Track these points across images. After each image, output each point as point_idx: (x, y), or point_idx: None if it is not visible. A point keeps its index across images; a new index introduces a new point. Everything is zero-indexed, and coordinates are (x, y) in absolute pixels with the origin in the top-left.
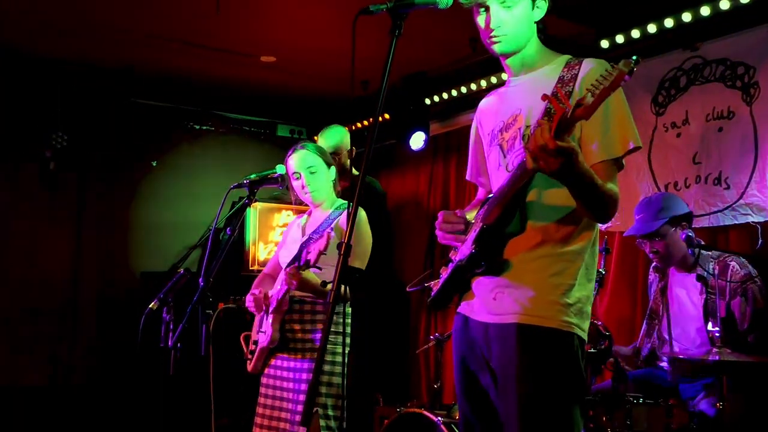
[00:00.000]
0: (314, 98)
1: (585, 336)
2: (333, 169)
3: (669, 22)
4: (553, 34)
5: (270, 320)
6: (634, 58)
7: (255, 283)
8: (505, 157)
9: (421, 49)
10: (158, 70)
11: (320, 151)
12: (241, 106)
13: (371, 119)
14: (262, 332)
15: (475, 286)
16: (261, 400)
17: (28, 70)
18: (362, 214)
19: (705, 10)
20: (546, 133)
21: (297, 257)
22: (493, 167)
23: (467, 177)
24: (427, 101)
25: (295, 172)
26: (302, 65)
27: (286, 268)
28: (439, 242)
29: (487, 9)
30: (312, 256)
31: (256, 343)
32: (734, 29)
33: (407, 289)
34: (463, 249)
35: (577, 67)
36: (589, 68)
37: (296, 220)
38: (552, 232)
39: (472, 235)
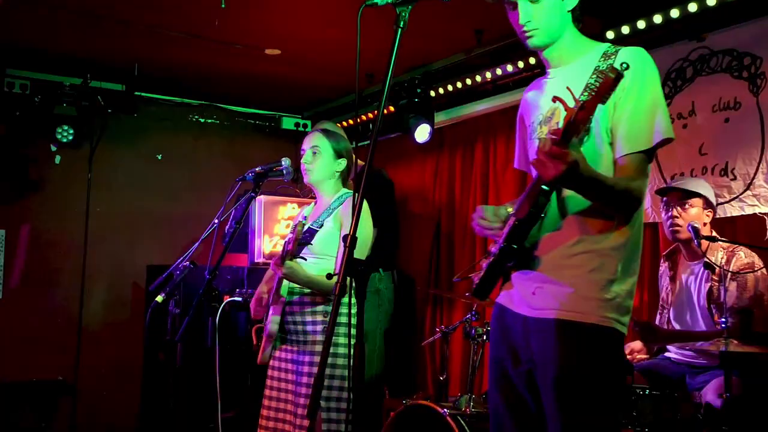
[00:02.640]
0: (319, 91)
1: (625, 330)
2: (343, 161)
3: (675, 13)
4: None
5: (271, 313)
6: (623, 64)
7: (265, 277)
8: None
9: (426, 41)
10: (163, 63)
11: (332, 137)
12: (246, 99)
13: (376, 112)
14: (267, 324)
15: (515, 278)
16: (266, 392)
17: (31, 62)
18: (366, 208)
19: (711, 0)
20: (548, 139)
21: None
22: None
23: (515, 165)
24: (432, 93)
25: (303, 149)
26: (307, 58)
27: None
28: (478, 235)
29: (515, 5)
30: (290, 246)
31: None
32: (741, 19)
33: (453, 280)
34: (498, 243)
35: (613, 56)
36: (623, 59)
37: (302, 211)
38: (589, 227)
39: (506, 229)
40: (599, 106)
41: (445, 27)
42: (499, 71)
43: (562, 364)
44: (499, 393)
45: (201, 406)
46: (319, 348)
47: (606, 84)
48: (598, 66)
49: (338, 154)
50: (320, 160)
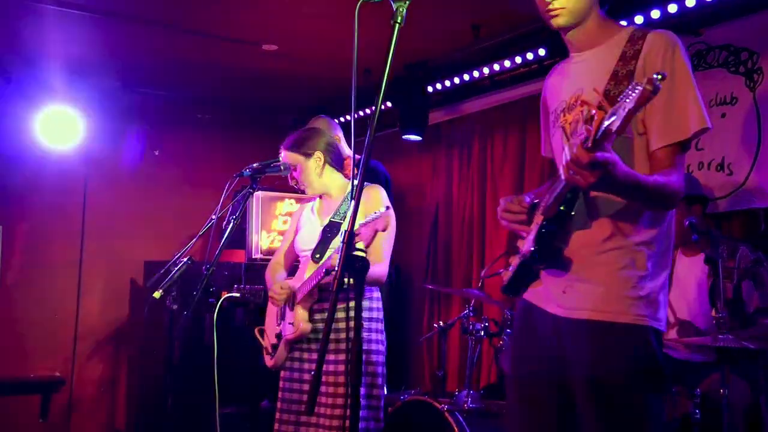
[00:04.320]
0: (316, 87)
1: (661, 325)
2: (318, 153)
3: (672, 8)
4: None
5: (298, 312)
6: (659, 76)
7: (268, 274)
8: (568, 140)
9: (423, 37)
10: (160, 58)
11: (295, 146)
12: (243, 94)
13: (373, 107)
14: (290, 324)
15: (545, 276)
16: (284, 395)
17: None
18: (380, 193)
19: None
20: (579, 148)
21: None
22: (558, 150)
23: (542, 153)
24: (429, 89)
25: (285, 162)
26: (304, 54)
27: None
28: (505, 228)
29: None
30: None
31: (279, 336)
32: (738, 14)
33: (482, 276)
34: (526, 243)
35: (640, 42)
36: (652, 45)
37: (306, 206)
38: (620, 224)
39: (534, 228)
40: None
41: (443, 23)
42: (496, 67)
43: (595, 366)
44: (520, 390)
45: (198, 403)
46: (342, 345)
47: (643, 96)
48: (626, 52)
49: (308, 155)
50: (303, 172)
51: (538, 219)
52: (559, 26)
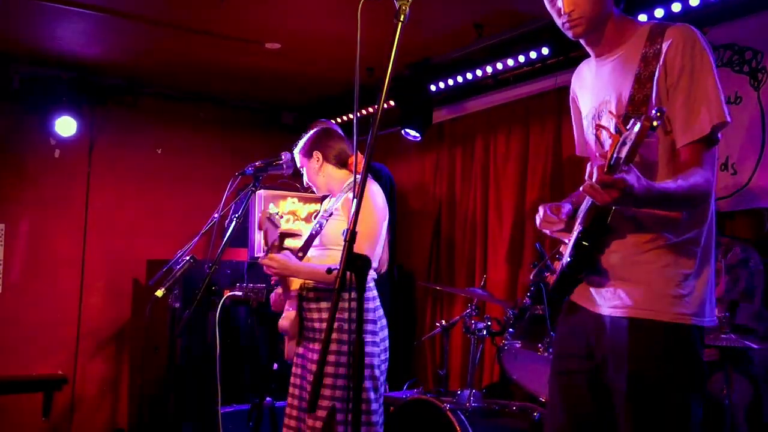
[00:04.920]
0: (319, 85)
1: (705, 321)
2: (317, 153)
3: (677, 7)
4: None
5: (286, 308)
6: (658, 113)
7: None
8: (603, 148)
9: (426, 35)
10: (162, 57)
11: (298, 149)
12: (246, 93)
13: (376, 106)
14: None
15: (588, 278)
16: (289, 389)
17: (30, 56)
18: (373, 188)
19: None
20: (599, 170)
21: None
22: (593, 156)
23: (577, 152)
24: (432, 88)
25: (287, 161)
26: (307, 52)
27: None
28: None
29: None
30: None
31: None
32: (742, 13)
33: (530, 277)
34: (565, 254)
35: (659, 40)
36: (671, 43)
37: (323, 205)
38: (659, 225)
39: (574, 235)
40: (653, 93)
41: (446, 21)
42: (499, 66)
43: (634, 365)
44: (560, 389)
45: (201, 400)
46: (332, 345)
47: (642, 133)
48: (646, 53)
49: (309, 155)
50: (307, 173)
51: (578, 227)
52: (578, 36)
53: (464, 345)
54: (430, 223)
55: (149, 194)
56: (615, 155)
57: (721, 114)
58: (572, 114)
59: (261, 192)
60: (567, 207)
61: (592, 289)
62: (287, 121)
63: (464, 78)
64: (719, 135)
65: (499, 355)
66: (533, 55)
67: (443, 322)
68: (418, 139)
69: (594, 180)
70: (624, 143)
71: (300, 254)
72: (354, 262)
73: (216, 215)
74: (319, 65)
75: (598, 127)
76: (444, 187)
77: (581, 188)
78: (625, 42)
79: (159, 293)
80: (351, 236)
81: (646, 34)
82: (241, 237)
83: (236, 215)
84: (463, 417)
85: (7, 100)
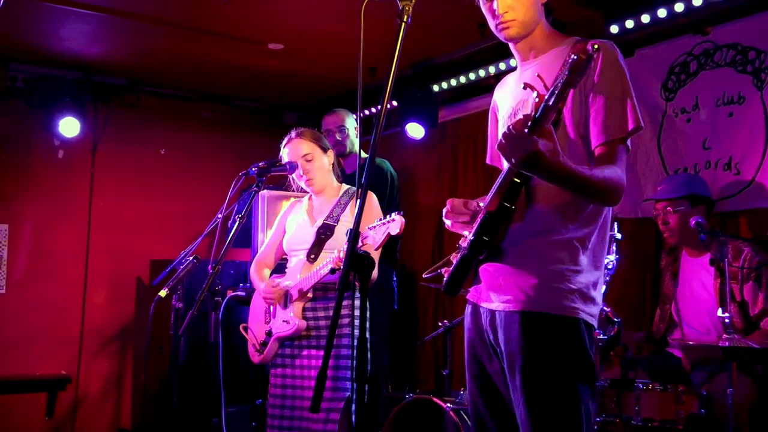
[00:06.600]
0: (322, 85)
1: (593, 320)
2: (331, 153)
3: (679, 7)
4: (561, 18)
5: (294, 309)
6: (595, 46)
7: (254, 272)
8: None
9: (429, 35)
10: (165, 57)
11: (314, 137)
12: (249, 93)
13: (379, 106)
14: (284, 322)
15: (482, 272)
16: (277, 391)
17: (34, 56)
18: (373, 198)
19: None
20: (519, 122)
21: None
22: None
23: (487, 161)
24: (436, 88)
25: (291, 162)
26: (310, 52)
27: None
28: (448, 230)
29: None
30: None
31: (269, 333)
32: (745, 13)
33: (424, 276)
34: (467, 238)
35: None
36: None
37: (295, 204)
38: (556, 218)
39: (477, 221)
40: (571, 91)
41: (449, 21)
42: (502, 66)
43: (527, 357)
44: (479, 391)
45: (204, 401)
46: (323, 342)
47: (578, 64)
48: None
49: (324, 149)
50: (316, 163)
51: (482, 214)
52: (510, 37)
53: None
54: (433, 223)
55: (152, 194)
56: (543, 105)
57: (638, 118)
58: (489, 123)
59: (264, 192)
60: (474, 203)
61: (486, 285)
62: (290, 121)
63: (467, 78)
64: (629, 143)
65: None
66: None
67: (446, 321)
68: (420, 138)
69: (508, 128)
70: (552, 93)
71: (312, 256)
72: (360, 262)
73: (219, 215)
74: (322, 65)
75: (526, 86)
76: (447, 186)
77: (496, 146)
78: (550, 49)
79: (162, 293)
80: (354, 236)
81: (572, 44)
82: (245, 237)
83: (239, 215)
84: (465, 417)
85: (11, 100)
